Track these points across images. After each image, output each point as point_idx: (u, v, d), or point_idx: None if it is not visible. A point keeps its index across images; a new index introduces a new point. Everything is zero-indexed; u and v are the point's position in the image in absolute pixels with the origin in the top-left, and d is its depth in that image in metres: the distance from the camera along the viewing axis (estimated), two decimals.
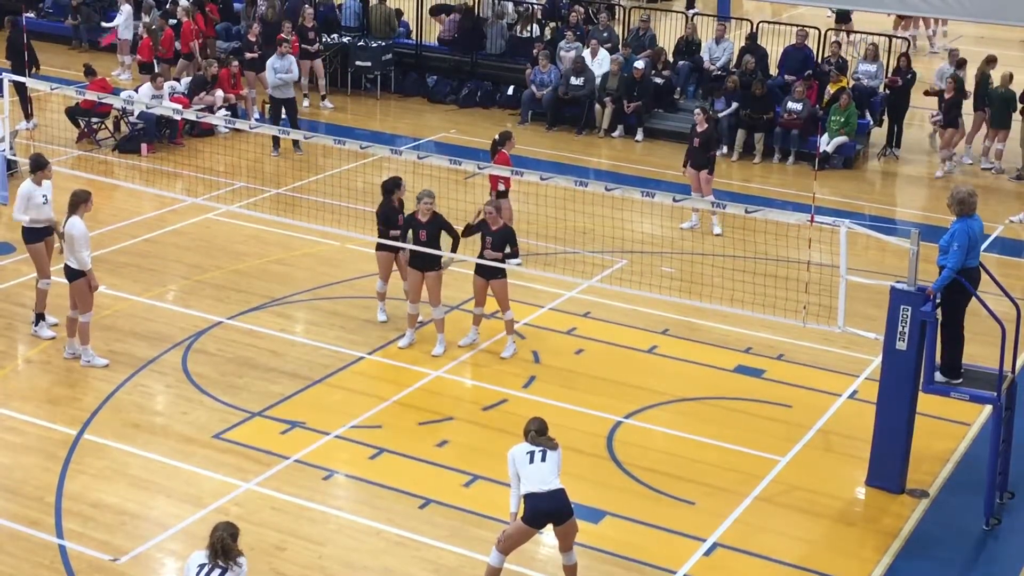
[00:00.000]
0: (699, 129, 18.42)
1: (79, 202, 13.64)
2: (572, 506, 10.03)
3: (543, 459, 9.91)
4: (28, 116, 21.87)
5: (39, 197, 14.38)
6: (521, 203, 18.27)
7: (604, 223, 17.09)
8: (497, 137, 17.06)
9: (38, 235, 14.51)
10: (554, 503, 9.88)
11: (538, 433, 10.06)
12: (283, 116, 21.85)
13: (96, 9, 28.80)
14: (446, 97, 25.65)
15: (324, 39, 25.27)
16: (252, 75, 23.62)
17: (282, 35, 22.83)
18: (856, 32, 26.93)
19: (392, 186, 14.84)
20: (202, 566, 8.71)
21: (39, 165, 14.63)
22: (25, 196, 14.36)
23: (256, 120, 22.79)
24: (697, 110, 18.70)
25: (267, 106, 23.68)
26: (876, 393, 12.11)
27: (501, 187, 16.90)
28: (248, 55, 23.76)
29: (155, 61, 24.65)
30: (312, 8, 25.28)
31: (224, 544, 8.72)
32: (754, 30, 24.60)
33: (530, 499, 9.87)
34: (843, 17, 28.93)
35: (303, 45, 24.10)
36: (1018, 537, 11.63)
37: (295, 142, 21.16)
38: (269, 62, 21.98)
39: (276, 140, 21.33)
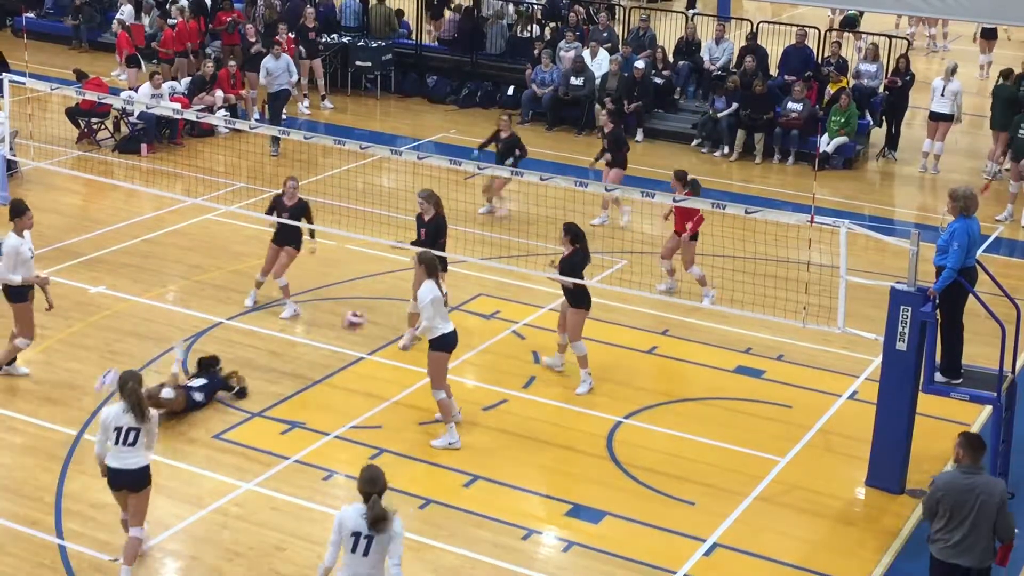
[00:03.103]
0: (606, 130, 18.40)
1: (433, 269, 12.36)
2: None
3: (365, 552, 8.43)
4: None
5: (26, 251, 12.92)
6: (521, 203, 18.30)
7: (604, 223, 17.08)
8: (689, 178, 15.82)
9: (24, 293, 13.13)
10: None
11: (367, 498, 8.44)
12: (284, 115, 21.95)
13: (97, 9, 28.83)
14: (446, 97, 25.66)
15: (324, 39, 25.28)
16: (253, 75, 23.63)
17: (276, 37, 22.86)
18: (861, 33, 26.94)
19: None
20: (118, 429, 9.88)
21: (21, 209, 12.98)
22: (14, 251, 12.82)
23: (256, 120, 22.80)
24: (603, 113, 18.48)
25: (267, 106, 23.72)
26: (876, 393, 12.11)
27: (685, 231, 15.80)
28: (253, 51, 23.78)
29: (136, 53, 24.75)
30: (313, 8, 25.30)
31: (137, 396, 9.88)
32: (754, 30, 24.62)
33: None
34: (849, 23, 28.92)
35: (301, 46, 24.12)
36: (1018, 537, 11.60)
37: (273, 139, 21.19)
38: (264, 62, 22.09)
39: (276, 138, 21.35)
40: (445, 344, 12.39)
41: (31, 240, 13.16)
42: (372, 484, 8.48)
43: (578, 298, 13.71)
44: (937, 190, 21.45)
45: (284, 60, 22.17)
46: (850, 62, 24.05)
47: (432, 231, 14.28)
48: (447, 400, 12.55)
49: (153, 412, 10.20)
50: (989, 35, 29.29)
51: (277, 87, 22.06)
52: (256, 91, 23.69)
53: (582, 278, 13.76)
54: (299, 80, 23.31)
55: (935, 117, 22.18)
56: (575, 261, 13.70)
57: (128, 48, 24.86)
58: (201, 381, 13.15)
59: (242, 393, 13.33)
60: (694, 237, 15.83)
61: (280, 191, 15.49)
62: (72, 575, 10.46)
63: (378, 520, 8.38)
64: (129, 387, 9.91)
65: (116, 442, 9.93)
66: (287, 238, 15.24)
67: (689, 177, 15.88)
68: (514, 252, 17.16)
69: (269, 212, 15.43)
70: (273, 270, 15.28)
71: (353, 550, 8.46)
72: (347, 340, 14.72)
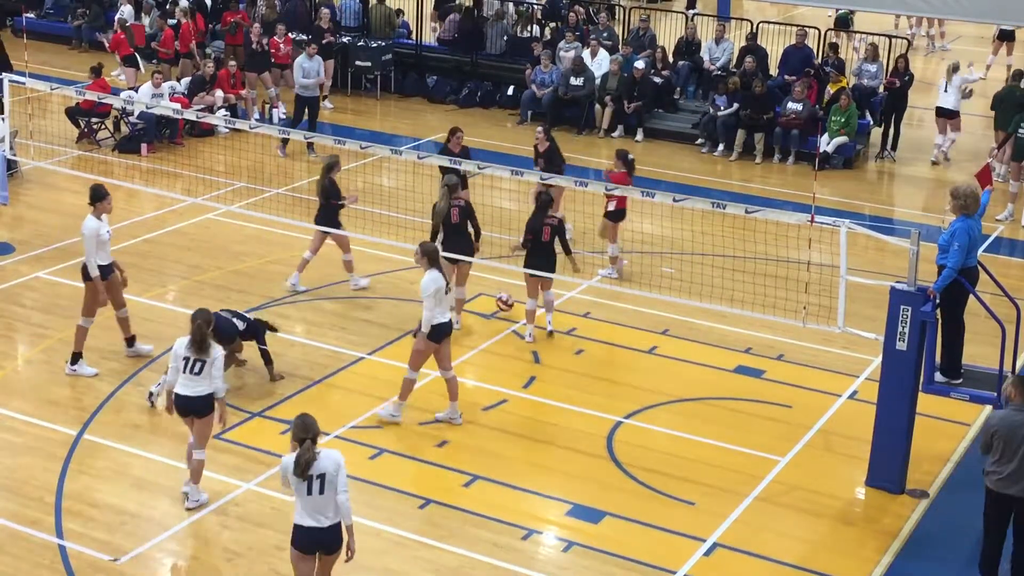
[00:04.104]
0: (540, 149, 17.38)
1: (435, 259, 12.64)
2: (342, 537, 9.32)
3: (321, 491, 9.11)
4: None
5: (105, 234, 13.48)
6: (522, 203, 18.28)
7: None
8: (631, 157, 16.61)
9: (104, 271, 13.65)
10: (328, 537, 9.22)
11: (302, 443, 9.07)
12: (285, 115, 21.92)
13: (101, 7, 28.77)
14: (446, 97, 25.65)
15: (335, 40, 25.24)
16: (253, 76, 23.62)
17: (301, 36, 22.86)
18: (856, 32, 26.92)
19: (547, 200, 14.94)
20: (186, 359, 11.03)
21: (101, 194, 13.51)
22: (93, 234, 13.40)
23: (256, 120, 22.80)
24: (538, 129, 17.67)
25: (267, 106, 23.75)
26: (876, 393, 12.11)
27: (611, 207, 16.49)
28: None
29: (134, 53, 24.68)
30: (328, 9, 25.29)
31: (202, 333, 10.94)
32: (754, 30, 24.62)
33: (302, 531, 9.21)
34: (842, 22, 28.93)
35: (323, 44, 24.12)
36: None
37: (309, 144, 21.08)
38: (299, 62, 21.90)
39: (285, 140, 21.28)
40: (435, 333, 12.56)
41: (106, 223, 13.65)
42: (305, 430, 9.17)
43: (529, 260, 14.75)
44: (937, 190, 21.43)
45: (317, 61, 22.09)
46: (847, 62, 24.06)
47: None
48: (413, 382, 12.84)
49: (217, 349, 11.16)
50: (1007, 36, 29.19)
51: (310, 93, 21.90)
52: (256, 91, 23.69)
53: (544, 241, 14.59)
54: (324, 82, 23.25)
55: (940, 113, 22.61)
56: (532, 224, 14.73)
57: (125, 48, 24.84)
58: (245, 322, 13.73)
59: (267, 357, 13.77)
60: (618, 217, 16.41)
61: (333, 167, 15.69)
62: (72, 575, 10.47)
63: (308, 464, 9.07)
64: (196, 324, 11.02)
65: (184, 371, 11.07)
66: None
67: (629, 156, 16.53)
68: (515, 252, 17.13)
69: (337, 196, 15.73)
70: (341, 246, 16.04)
71: (309, 492, 9.13)
72: (347, 340, 14.74)
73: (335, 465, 9.16)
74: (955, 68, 22.46)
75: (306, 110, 21.85)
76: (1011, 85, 21.80)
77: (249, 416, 13.06)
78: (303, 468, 9.05)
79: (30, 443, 12.44)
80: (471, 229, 14.99)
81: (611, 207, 16.41)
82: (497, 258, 16.80)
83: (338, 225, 15.76)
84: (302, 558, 9.33)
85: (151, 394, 13.12)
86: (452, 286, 15.04)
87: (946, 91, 22.34)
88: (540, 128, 17.57)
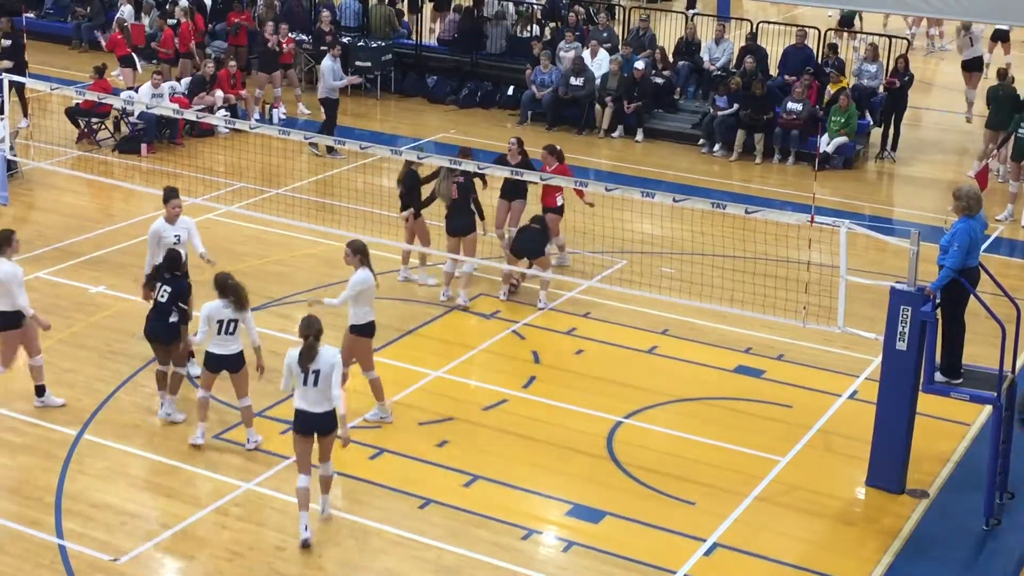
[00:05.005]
0: (511, 162, 16.40)
1: (366, 256, 12.57)
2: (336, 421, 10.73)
3: (316, 383, 10.58)
4: (25, 115, 21.90)
5: (170, 237, 13.34)
6: None
7: (604, 223, 17.09)
8: (560, 148, 16.91)
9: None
10: (321, 421, 10.71)
11: (306, 339, 10.57)
12: (285, 115, 21.89)
13: (103, 5, 28.76)
14: (446, 97, 25.66)
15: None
16: (264, 76, 23.58)
17: (300, 36, 22.86)
18: (857, 32, 26.94)
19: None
20: (221, 321, 11.79)
21: (166, 197, 13.54)
22: (154, 235, 13.38)
23: (256, 120, 22.79)
24: (512, 141, 16.75)
25: (267, 106, 23.73)
26: (876, 393, 12.11)
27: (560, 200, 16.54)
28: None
29: (131, 53, 24.61)
30: (329, 11, 25.26)
31: (239, 290, 11.79)
32: (754, 30, 24.62)
33: (300, 415, 10.73)
34: (846, 21, 28.90)
35: (322, 47, 24.07)
36: (1018, 537, 11.62)
37: (312, 143, 21.07)
38: (330, 65, 21.50)
39: (330, 148, 21.27)
40: (370, 330, 12.81)
41: (183, 227, 13.55)
42: (308, 328, 10.63)
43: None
44: (936, 190, 21.43)
45: (338, 63, 21.96)
46: (847, 62, 24.08)
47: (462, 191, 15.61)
48: (378, 380, 12.97)
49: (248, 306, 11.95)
50: (1002, 37, 29.19)
51: (335, 95, 21.63)
52: (263, 91, 23.67)
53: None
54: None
55: (965, 67, 24.90)
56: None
57: (122, 48, 24.84)
58: (166, 291, 12.58)
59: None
60: (560, 211, 16.54)
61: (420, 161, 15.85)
62: (72, 575, 10.47)
63: (304, 356, 10.58)
64: (231, 284, 11.84)
65: (219, 332, 11.85)
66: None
67: (558, 147, 16.84)
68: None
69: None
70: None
71: (305, 383, 10.63)
72: None
73: (330, 365, 10.60)
74: (967, 27, 24.46)
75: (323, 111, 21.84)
76: (999, 84, 21.84)
77: None
78: (305, 360, 10.55)
79: (30, 443, 12.44)
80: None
81: (560, 201, 16.47)
82: (497, 258, 16.80)
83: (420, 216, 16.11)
84: (300, 439, 10.77)
85: (168, 413, 13.03)
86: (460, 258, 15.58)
87: (971, 47, 24.50)
88: (513, 140, 16.70)
